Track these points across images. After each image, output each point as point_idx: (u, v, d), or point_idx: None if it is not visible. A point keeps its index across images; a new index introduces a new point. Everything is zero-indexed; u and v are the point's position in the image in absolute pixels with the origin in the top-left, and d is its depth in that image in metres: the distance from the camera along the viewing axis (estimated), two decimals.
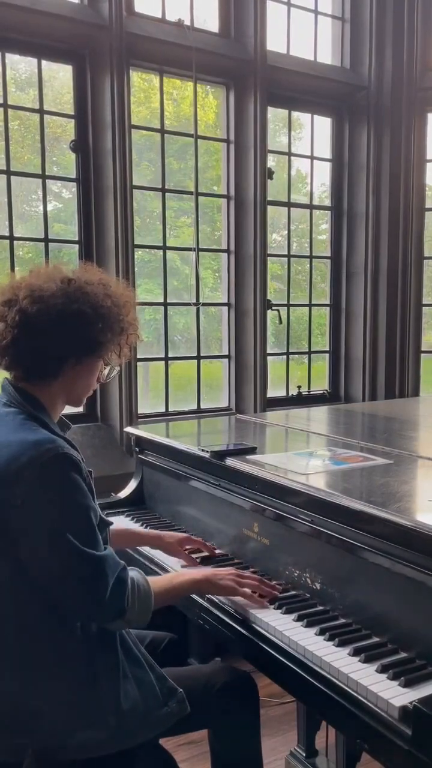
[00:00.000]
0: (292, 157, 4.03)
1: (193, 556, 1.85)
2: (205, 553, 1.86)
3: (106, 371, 1.53)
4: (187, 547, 1.86)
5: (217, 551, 1.88)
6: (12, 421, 1.35)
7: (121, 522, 2.16)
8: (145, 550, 1.97)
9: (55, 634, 1.32)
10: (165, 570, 1.86)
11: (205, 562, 1.83)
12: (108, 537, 1.46)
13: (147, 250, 3.61)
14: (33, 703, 1.31)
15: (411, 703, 1.12)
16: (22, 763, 1.30)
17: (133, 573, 1.39)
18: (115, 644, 1.37)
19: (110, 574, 1.31)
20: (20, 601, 1.30)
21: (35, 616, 1.31)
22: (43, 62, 3.16)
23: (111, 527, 1.50)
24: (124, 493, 2.37)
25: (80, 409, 2.90)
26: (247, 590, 1.55)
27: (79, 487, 1.31)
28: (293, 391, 4.07)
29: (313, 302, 4.19)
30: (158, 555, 1.92)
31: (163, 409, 3.59)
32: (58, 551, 1.27)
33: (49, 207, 3.37)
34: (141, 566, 1.95)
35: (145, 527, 2.13)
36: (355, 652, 1.32)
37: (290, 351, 4.08)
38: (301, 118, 4.08)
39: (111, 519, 1.55)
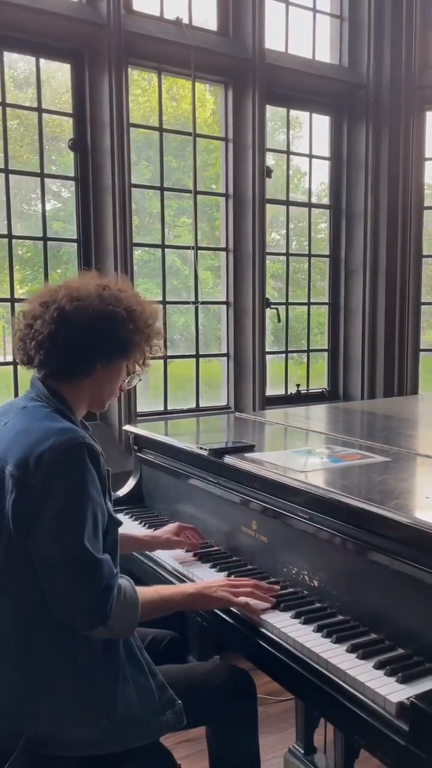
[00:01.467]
0: (291, 156, 4.03)
1: (191, 551, 1.87)
2: (205, 549, 1.87)
3: (128, 379, 1.59)
4: (183, 534, 1.90)
5: (214, 547, 1.89)
6: (38, 413, 1.39)
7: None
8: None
9: (58, 629, 1.32)
10: (161, 566, 1.87)
11: (204, 558, 1.84)
12: (118, 537, 1.45)
13: (146, 249, 3.61)
14: (31, 693, 1.31)
15: (408, 699, 1.13)
16: (13, 752, 1.30)
17: (123, 581, 1.38)
18: (118, 646, 1.37)
19: (101, 579, 1.30)
20: (29, 592, 1.31)
21: (42, 606, 1.31)
22: (42, 61, 3.16)
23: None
24: (122, 492, 2.38)
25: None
26: (242, 599, 1.52)
27: (94, 480, 1.33)
28: (292, 390, 4.08)
29: (312, 301, 4.19)
30: (156, 552, 1.93)
31: (161, 408, 3.59)
32: (62, 538, 1.28)
33: (48, 206, 3.37)
34: (137, 562, 1.96)
35: (145, 525, 2.14)
36: (353, 649, 1.32)
37: (289, 349, 4.09)
38: (300, 116, 4.08)
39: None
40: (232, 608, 1.55)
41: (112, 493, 1.46)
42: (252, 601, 1.51)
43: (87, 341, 1.42)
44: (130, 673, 1.38)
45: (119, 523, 1.46)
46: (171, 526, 1.92)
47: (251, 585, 1.56)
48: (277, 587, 1.60)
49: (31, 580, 1.31)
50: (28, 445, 1.31)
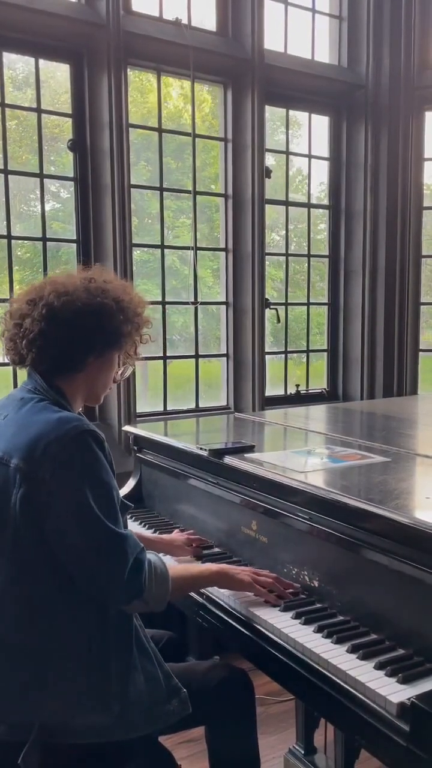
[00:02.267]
0: (290, 156, 4.03)
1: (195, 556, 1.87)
2: (205, 550, 1.88)
3: (120, 370, 1.59)
4: (193, 546, 1.89)
5: (215, 548, 1.89)
6: (35, 404, 1.39)
7: None
8: None
9: (73, 615, 1.32)
10: None
11: (204, 559, 1.83)
12: (127, 521, 1.47)
13: (146, 250, 3.61)
14: (42, 683, 1.32)
15: (409, 699, 1.13)
16: (26, 742, 1.30)
17: (151, 556, 1.41)
18: (131, 633, 1.38)
19: (130, 553, 1.33)
20: (40, 579, 1.31)
21: (55, 595, 1.32)
22: (41, 61, 3.16)
23: None
24: (122, 492, 2.37)
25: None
26: (264, 589, 1.55)
27: (104, 465, 1.34)
28: (291, 390, 4.08)
29: (311, 301, 4.19)
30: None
31: (161, 408, 3.59)
32: (84, 523, 1.29)
33: (48, 206, 3.37)
34: None
35: (145, 526, 2.14)
36: (353, 649, 1.32)
37: (289, 350, 4.09)
38: (299, 116, 4.08)
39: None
40: (230, 609, 1.55)
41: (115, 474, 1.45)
42: (270, 594, 1.54)
43: (78, 335, 1.42)
44: (139, 660, 1.39)
45: (129, 507, 1.46)
46: (181, 538, 1.90)
47: (273, 578, 1.59)
48: (298, 585, 1.59)
49: (40, 570, 1.31)
50: (31, 438, 1.31)
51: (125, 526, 1.42)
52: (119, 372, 1.58)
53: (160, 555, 1.89)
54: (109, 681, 1.33)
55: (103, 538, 1.30)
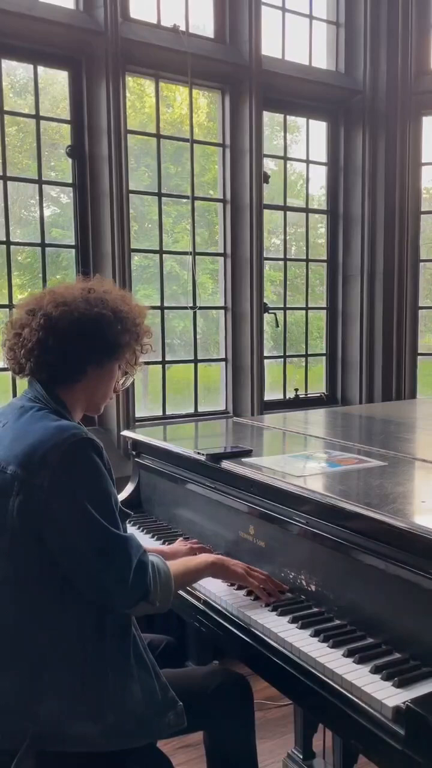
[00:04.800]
0: (288, 161, 4.05)
1: None
2: None
3: (122, 380, 1.59)
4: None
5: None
6: (35, 413, 1.40)
7: None
8: None
9: (70, 623, 1.32)
10: None
11: None
12: (126, 530, 1.47)
13: (146, 255, 3.63)
14: (35, 690, 1.32)
15: (404, 703, 1.13)
16: (19, 750, 1.30)
17: (153, 557, 1.42)
18: (129, 643, 1.38)
19: (134, 555, 1.34)
20: (39, 586, 1.32)
21: (52, 603, 1.32)
22: (40, 68, 3.17)
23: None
24: (120, 497, 2.38)
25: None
26: (255, 582, 1.59)
27: (102, 472, 1.34)
28: (290, 394, 4.08)
29: (310, 305, 4.20)
30: None
31: (160, 413, 3.59)
32: (86, 529, 1.29)
33: (48, 212, 3.39)
34: None
35: (143, 531, 2.14)
36: (350, 653, 1.32)
37: (287, 354, 4.09)
38: (297, 122, 4.10)
39: None
40: (228, 613, 1.56)
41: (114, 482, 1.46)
42: (261, 587, 1.57)
43: (76, 345, 1.43)
44: (136, 671, 1.38)
45: (129, 515, 1.47)
46: (184, 548, 1.89)
47: (265, 575, 1.63)
48: (286, 587, 1.62)
49: (37, 576, 1.31)
50: (30, 445, 1.32)
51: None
52: (120, 382, 1.58)
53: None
54: (105, 691, 1.33)
55: (105, 541, 1.31)
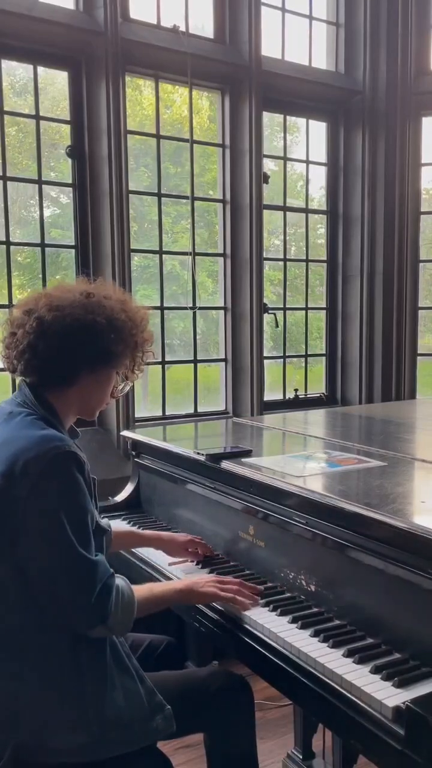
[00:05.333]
0: (288, 162, 4.05)
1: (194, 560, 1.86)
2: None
3: (120, 386, 1.57)
4: (189, 549, 1.87)
5: (217, 554, 1.89)
6: (22, 419, 1.38)
7: (119, 525, 2.17)
8: (140, 551, 1.98)
9: (45, 636, 1.32)
10: (157, 571, 1.87)
11: (204, 564, 1.84)
12: (104, 543, 1.46)
13: (146, 255, 3.63)
14: (15, 701, 1.31)
15: (404, 703, 1.13)
16: (1, 760, 1.30)
17: (119, 581, 1.39)
18: (104, 652, 1.36)
19: (99, 580, 1.31)
20: (13, 599, 1.31)
21: (26, 616, 1.31)
22: (40, 68, 3.17)
23: (112, 528, 1.50)
24: (120, 497, 2.38)
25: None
26: (229, 595, 1.54)
27: (81, 488, 1.32)
28: (290, 395, 4.08)
29: (309, 306, 4.20)
30: (152, 556, 1.93)
31: (160, 413, 3.60)
32: (55, 546, 1.28)
33: (48, 212, 3.38)
34: (135, 567, 1.96)
35: (142, 530, 2.14)
36: (349, 653, 1.32)
37: (287, 354, 4.09)
38: (297, 122, 4.10)
39: (108, 521, 1.56)
40: (227, 614, 1.55)
41: (97, 501, 1.44)
42: (238, 598, 1.53)
43: (65, 352, 1.40)
44: (117, 678, 1.37)
45: (105, 531, 1.46)
46: (181, 537, 1.89)
47: (237, 583, 1.58)
48: (261, 587, 1.60)
49: (13, 588, 1.30)
50: (13, 454, 1.30)
51: (101, 549, 1.41)
52: (119, 387, 1.56)
53: (153, 551, 1.91)
54: (83, 701, 1.32)
55: (72, 563, 1.29)
